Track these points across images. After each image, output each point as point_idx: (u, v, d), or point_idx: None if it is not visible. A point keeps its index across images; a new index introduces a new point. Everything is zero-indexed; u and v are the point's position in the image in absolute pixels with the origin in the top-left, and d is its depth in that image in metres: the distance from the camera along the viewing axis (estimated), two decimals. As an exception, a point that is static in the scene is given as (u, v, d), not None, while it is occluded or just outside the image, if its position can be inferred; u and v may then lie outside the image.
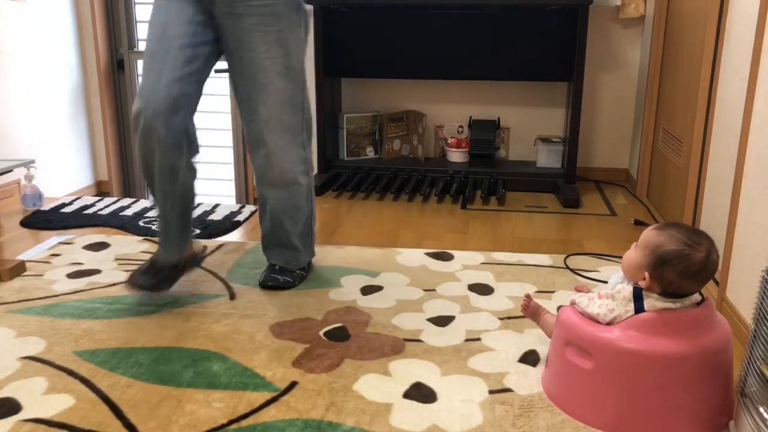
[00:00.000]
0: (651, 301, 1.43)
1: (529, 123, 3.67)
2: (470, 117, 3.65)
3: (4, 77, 3.21)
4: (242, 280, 2.23)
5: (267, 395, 1.57)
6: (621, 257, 1.53)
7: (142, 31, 3.90)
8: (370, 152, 3.72)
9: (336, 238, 2.74)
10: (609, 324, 1.45)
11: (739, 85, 2.06)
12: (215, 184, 3.96)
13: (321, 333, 1.87)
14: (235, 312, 2.00)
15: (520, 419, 1.48)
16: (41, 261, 2.40)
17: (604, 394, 1.45)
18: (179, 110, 1.90)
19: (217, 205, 3.14)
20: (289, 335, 1.86)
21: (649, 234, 1.46)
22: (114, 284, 2.20)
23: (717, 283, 2.12)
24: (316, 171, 3.52)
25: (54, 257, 2.44)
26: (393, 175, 3.48)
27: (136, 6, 3.86)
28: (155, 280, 2.04)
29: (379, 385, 1.61)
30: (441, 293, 2.14)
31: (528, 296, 1.81)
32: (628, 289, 1.45)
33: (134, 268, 2.13)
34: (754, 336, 1.33)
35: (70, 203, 3.17)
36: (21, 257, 2.43)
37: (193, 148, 2.03)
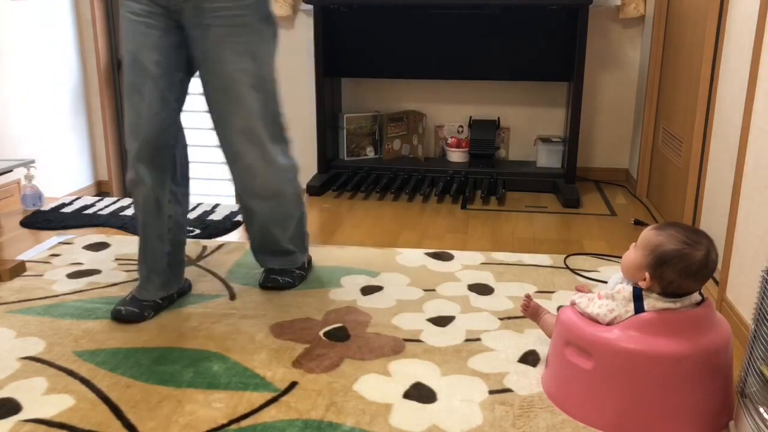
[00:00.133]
0: (651, 301, 1.43)
1: (529, 123, 3.68)
2: (470, 117, 3.65)
3: (4, 77, 3.21)
4: (242, 280, 2.23)
5: (267, 395, 1.57)
6: (621, 257, 1.53)
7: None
8: (370, 152, 3.72)
9: (336, 238, 2.74)
10: (609, 324, 1.45)
11: (739, 85, 2.06)
12: (215, 184, 3.96)
13: (321, 333, 1.87)
14: (235, 312, 2.00)
15: (520, 419, 1.48)
16: (41, 261, 2.40)
17: (604, 394, 1.45)
18: (162, 147, 1.90)
19: (217, 205, 3.14)
20: (289, 335, 1.86)
21: (648, 234, 1.46)
22: (114, 284, 2.20)
23: (717, 283, 2.12)
24: (316, 171, 3.52)
25: (54, 257, 2.44)
26: (393, 175, 3.48)
27: (136, 6, 3.86)
28: (139, 309, 1.95)
29: (379, 385, 1.61)
30: (441, 293, 2.14)
31: (528, 296, 1.81)
32: (628, 289, 1.45)
33: (134, 268, 2.13)
34: (754, 336, 1.33)
35: (70, 203, 3.17)
36: (21, 257, 2.43)
37: (178, 179, 1.99)
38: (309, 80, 3.61)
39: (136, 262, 2.33)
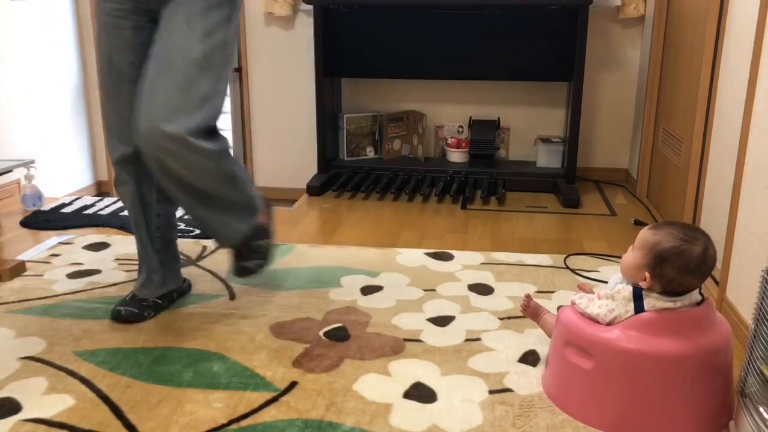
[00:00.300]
0: (651, 301, 1.43)
1: (529, 123, 3.67)
2: (470, 117, 3.65)
3: (4, 77, 3.21)
4: (242, 280, 2.23)
5: (267, 395, 1.57)
6: (621, 257, 1.53)
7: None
8: (370, 152, 3.72)
9: (336, 238, 2.74)
10: (609, 324, 1.45)
11: (739, 85, 2.06)
12: (215, 184, 3.96)
13: (321, 333, 1.87)
14: (235, 312, 2.00)
15: (520, 419, 1.48)
16: (41, 261, 2.40)
17: (604, 394, 1.45)
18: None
19: (217, 205, 3.13)
20: (289, 335, 1.86)
21: (645, 234, 1.46)
22: (114, 284, 2.20)
23: (717, 283, 2.12)
24: (316, 171, 3.52)
25: (54, 257, 2.44)
26: (393, 175, 3.48)
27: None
28: (139, 309, 1.94)
29: (379, 385, 1.61)
30: (441, 293, 2.14)
31: (528, 296, 1.81)
32: (627, 289, 1.45)
33: (134, 268, 2.13)
34: (754, 336, 1.33)
35: (70, 203, 3.17)
36: (21, 257, 2.43)
37: None
38: (309, 80, 3.61)
39: (136, 262, 2.33)
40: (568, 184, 3.33)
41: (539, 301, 1.84)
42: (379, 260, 2.42)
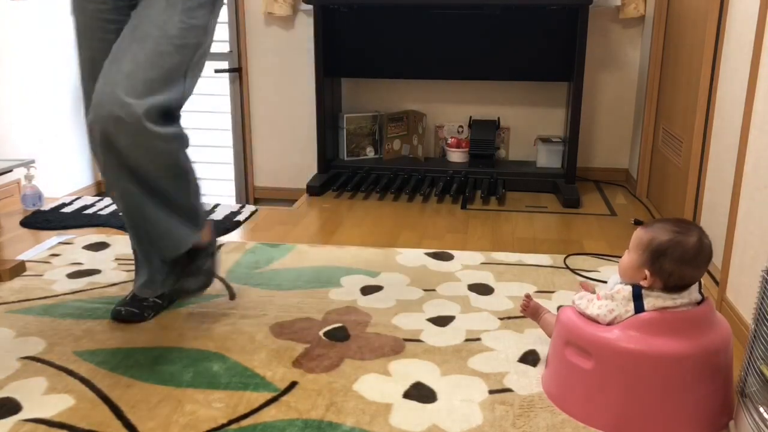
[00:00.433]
0: (651, 300, 1.43)
1: (529, 123, 3.68)
2: (470, 117, 3.65)
3: (4, 77, 3.21)
4: (242, 280, 2.23)
5: (267, 395, 1.57)
6: (621, 257, 1.53)
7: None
8: (370, 152, 3.72)
9: (336, 238, 2.74)
10: (609, 324, 1.45)
11: (739, 85, 2.06)
12: (215, 184, 3.96)
13: (321, 333, 1.87)
14: (235, 312, 2.00)
15: (520, 419, 1.48)
16: (41, 261, 2.40)
17: (604, 394, 1.45)
18: None
19: (217, 205, 3.14)
20: (289, 335, 1.86)
21: (638, 234, 1.48)
22: (114, 284, 2.20)
23: (717, 283, 2.12)
24: (316, 171, 3.52)
25: (54, 257, 2.44)
26: (393, 175, 3.48)
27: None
28: (139, 309, 1.92)
29: (379, 385, 1.61)
30: (441, 293, 2.14)
31: (528, 296, 1.81)
32: (627, 289, 1.45)
33: (134, 268, 2.13)
34: (754, 336, 1.33)
35: (70, 203, 3.17)
36: (21, 257, 2.43)
37: None
38: (309, 80, 3.61)
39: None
40: (568, 184, 3.33)
41: (539, 301, 1.84)
42: (379, 260, 2.42)
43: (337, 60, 3.54)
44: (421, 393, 1.58)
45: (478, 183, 3.42)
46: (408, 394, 1.57)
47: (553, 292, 2.16)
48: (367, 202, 3.24)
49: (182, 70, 1.61)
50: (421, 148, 3.72)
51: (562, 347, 1.52)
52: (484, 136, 3.55)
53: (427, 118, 3.73)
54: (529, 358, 1.74)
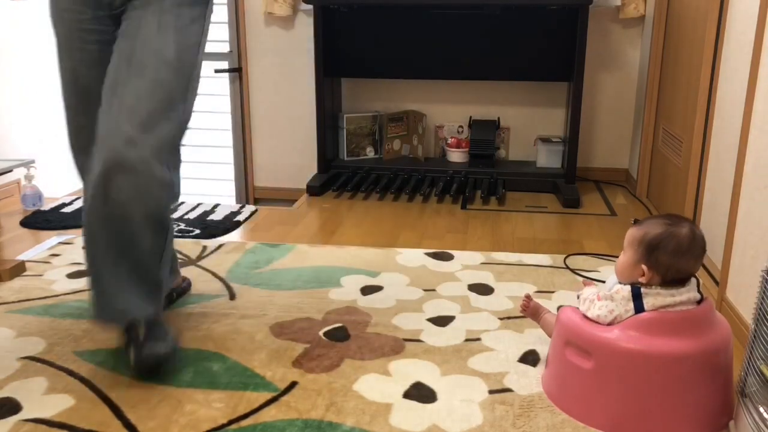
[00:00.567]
0: (650, 300, 1.43)
1: (529, 123, 3.67)
2: (470, 117, 3.65)
3: (4, 77, 3.21)
4: (242, 280, 2.23)
5: (267, 395, 1.57)
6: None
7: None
8: (370, 152, 3.72)
9: (336, 238, 2.74)
10: (610, 325, 1.45)
11: (739, 85, 2.06)
12: (215, 184, 3.96)
13: (321, 333, 1.87)
14: (235, 312, 2.00)
15: (520, 419, 1.48)
16: (41, 261, 2.40)
17: (604, 394, 1.45)
18: None
19: (217, 205, 3.14)
20: (289, 335, 1.86)
21: (630, 232, 1.49)
22: (114, 284, 2.20)
23: (717, 283, 2.12)
24: (316, 171, 3.52)
25: (54, 257, 2.44)
26: (393, 175, 3.48)
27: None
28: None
29: (379, 385, 1.61)
30: (441, 293, 2.14)
31: (528, 296, 1.81)
32: (626, 289, 1.45)
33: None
34: (754, 336, 1.33)
35: (70, 203, 3.17)
36: (21, 257, 2.43)
37: None
38: (309, 80, 3.61)
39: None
40: (568, 184, 3.33)
41: (539, 301, 1.84)
42: (379, 260, 2.42)
43: (337, 60, 3.54)
44: (421, 393, 1.58)
45: (478, 183, 3.42)
46: (408, 394, 1.57)
47: (553, 292, 2.16)
48: (367, 202, 3.24)
49: (182, 93, 1.60)
50: (421, 148, 3.72)
51: (562, 347, 1.52)
52: (484, 136, 3.55)
53: (427, 118, 3.73)
54: (529, 358, 1.74)
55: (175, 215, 2.96)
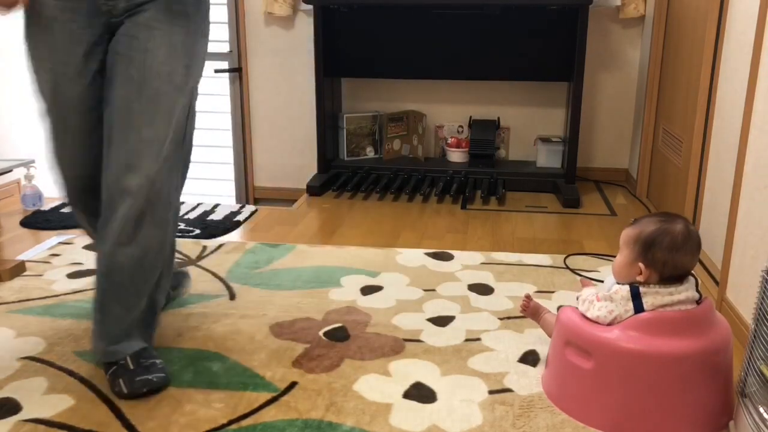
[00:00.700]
0: (649, 299, 1.43)
1: (529, 123, 3.67)
2: (470, 117, 3.65)
3: (4, 77, 3.21)
4: (242, 280, 2.23)
5: (267, 395, 1.57)
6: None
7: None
8: (370, 152, 3.72)
9: (336, 238, 2.74)
10: (610, 325, 1.45)
11: (739, 85, 2.06)
12: (215, 184, 3.96)
13: (321, 333, 1.87)
14: (235, 312, 2.00)
15: (520, 419, 1.48)
16: (41, 261, 2.40)
17: (604, 394, 1.45)
18: (98, 187, 1.54)
19: (217, 205, 3.14)
20: (289, 335, 1.86)
21: (625, 232, 1.50)
22: (114, 284, 2.20)
23: (717, 283, 2.12)
24: (316, 171, 3.52)
25: (54, 257, 2.44)
26: (393, 175, 3.48)
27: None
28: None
29: (379, 385, 1.61)
30: (441, 293, 2.14)
31: (528, 296, 1.81)
32: (625, 289, 1.45)
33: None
34: (754, 336, 1.33)
35: (70, 203, 3.16)
36: (21, 257, 2.43)
37: None
38: (309, 80, 3.61)
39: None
40: (568, 184, 3.33)
41: (539, 301, 1.84)
42: (379, 260, 2.42)
43: (337, 60, 3.54)
44: (421, 393, 1.58)
45: (478, 183, 3.42)
46: (408, 394, 1.57)
47: (553, 292, 2.16)
48: (367, 202, 3.24)
49: (186, 110, 1.60)
50: (421, 148, 3.72)
51: (562, 347, 1.52)
52: (484, 136, 3.55)
53: (427, 118, 3.73)
54: (529, 358, 1.74)
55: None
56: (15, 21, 1.82)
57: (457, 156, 3.61)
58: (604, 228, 2.86)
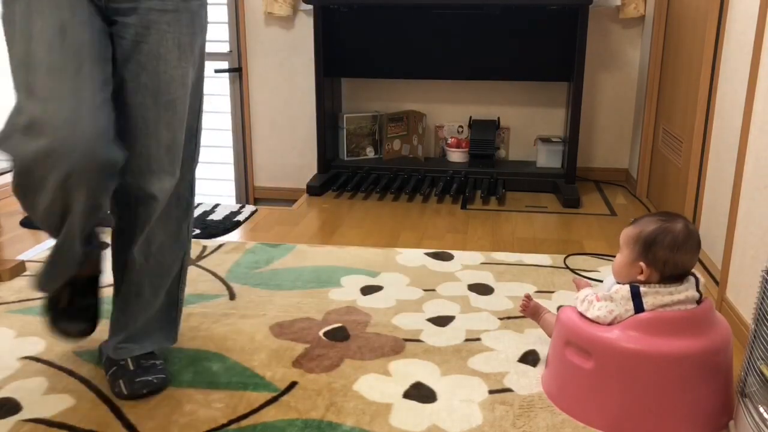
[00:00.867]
0: (650, 299, 1.43)
1: (529, 123, 3.67)
2: (470, 117, 3.65)
3: (4, 77, 3.21)
4: (242, 280, 2.23)
5: (267, 395, 1.57)
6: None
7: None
8: (370, 152, 3.72)
9: (336, 238, 2.74)
10: (610, 325, 1.45)
11: (739, 85, 2.06)
12: (215, 184, 3.96)
13: (321, 333, 1.87)
14: (235, 312, 2.00)
15: (520, 419, 1.48)
16: (41, 261, 2.40)
17: (604, 394, 1.45)
18: (111, 146, 1.36)
19: (217, 205, 3.14)
20: (289, 335, 1.86)
21: (625, 232, 1.50)
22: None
23: (717, 283, 2.12)
24: (316, 171, 3.52)
25: (54, 257, 2.44)
26: (393, 175, 3.48)
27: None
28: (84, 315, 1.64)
29: (379, 385, 1.61)
30: (441, 293, 2.14)
31: (527, 296, 1.81)
32: (625, 288, 1.45)
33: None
34: (754, 336, 1.33)
35: (70, 203, 3.16)
36: (21, 257, 2.43)
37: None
38: (309, 80, 3.61)
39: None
40: (568, 184, 3.33)
41: (539, 301, 1.84)
42: (379, 260, 2.42)
43: (337, 60, 3.54)
44: (421, 393, 1.58)
45: (478, 183, 3.42)
46: (408, 394, 1.57)
47: (553, 292, 2.16)
48: (367, 202, 3.24)
49: (197, 107, 1.58)
50: (421, 148, 3.72)
51: (562, 347, 1.52)
52: (484, 136, 3.55)
53: (427, 118, 3.73)
54: (529, 358, 1.74)
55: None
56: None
57: (457, 156, 3.61)
58: (604, 228, 2.86)
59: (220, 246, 2.56)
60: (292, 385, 1.61)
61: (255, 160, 3.86)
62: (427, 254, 2.47)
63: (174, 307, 1.69)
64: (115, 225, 1.57)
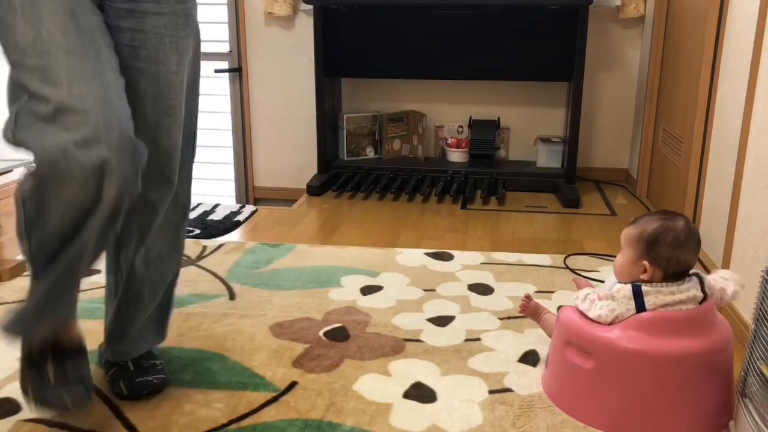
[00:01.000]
0: (651, 298, 1.43)
1: (529, 123, 3.67)
2: (470, 117, 3.65)
3: (4, 77, 3.20)
4: (242, 280, 2.23)
5: (267, 395, 1.57)
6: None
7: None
8: (370, 152, 3.72)
9: (336, 238, 2.74)
10: (611, 324, 1.45)
11: (739, 85, 2.06)
12: (215, 184, 3.96)
13: (321, 333, 1.87)
14: (235, 312, 2.00)
15: (520, 419, 1.48)
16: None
17: (604, 394, 1.45)
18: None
19: (217, 205, 3.14)
20: (289, 335, 1.86)
21: (626, 231, 1.50)
22: (114, 284, 2.20)
23: (717, 283, 2.12)
24: (316, 171, 3.52)
25: (54, 257, 2.44)
26: (393, 175, 3.48)
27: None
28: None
29: (379, 385, 1.61)
30: (441, 293, 2.14)
31: (527, 296, 1.81)
32: (627, 287, 1.45)
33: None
34: (754, 336, 1.33)
35: (70, 203, 3.16)
36: (21, 257, 2.43)
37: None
38: (309, 80, 3.61)
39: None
40: (568, 184, 3.33)
41: (539, 301, 1.84)
42: (379, 260, 2.42)
43: (337, 60, 3.54)
44: (421, 393, 1.58)
45: (478, 183, 3.42)
46: (408, 394, 1.57)
47: (553, 292, 2.16)
48: (367, 202, 3.24)
49: (194, 109, 1.57)
50: (421, 148, 3.72)
51: (562, 347, 1.52)
52: (484, 136, 3.55)
53: (427, 118, 3.73)
54: (529, 358, 1.74)
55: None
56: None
57: (457, 156, 3.61)
58: (604, 228, 2.86)
59: (220, 246, 2.56)
60: (292, 385, 1.61)
61: (255, 160, 3.86)
62: (427, 254, 2.47)
63: (167, 306, 1.68)
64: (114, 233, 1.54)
